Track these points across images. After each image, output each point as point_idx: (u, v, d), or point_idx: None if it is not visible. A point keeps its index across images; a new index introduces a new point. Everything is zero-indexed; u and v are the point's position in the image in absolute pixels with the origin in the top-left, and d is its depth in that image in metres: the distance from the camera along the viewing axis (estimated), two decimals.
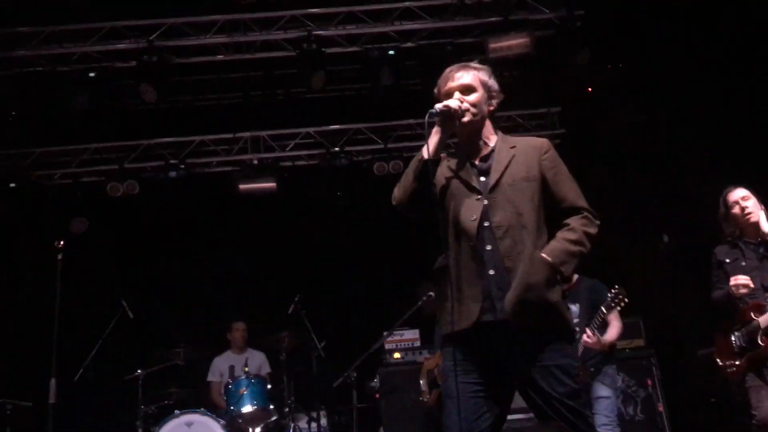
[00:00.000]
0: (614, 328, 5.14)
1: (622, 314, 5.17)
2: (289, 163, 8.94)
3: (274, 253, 8.45)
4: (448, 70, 3.05)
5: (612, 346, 5.14)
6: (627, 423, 6.21)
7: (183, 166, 8.51)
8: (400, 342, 7.11)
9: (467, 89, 2.96)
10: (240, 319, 7.48)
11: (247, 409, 6.32)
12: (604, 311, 4.85)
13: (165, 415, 6.20)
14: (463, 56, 7.53)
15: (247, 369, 6.60)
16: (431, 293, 5.76)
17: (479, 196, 2.87)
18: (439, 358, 4.88)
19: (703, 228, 4.98)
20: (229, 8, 7.25)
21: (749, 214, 4.22)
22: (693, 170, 6.61)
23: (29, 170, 8.50)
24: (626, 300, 4.76)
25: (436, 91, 3.06)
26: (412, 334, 7.13)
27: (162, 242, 8.61)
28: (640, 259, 7.27)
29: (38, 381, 5.12)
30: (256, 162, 8.69)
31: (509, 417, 2.93)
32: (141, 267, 8.57)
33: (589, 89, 7.94)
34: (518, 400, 2.82)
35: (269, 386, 6.59)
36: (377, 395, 6.87)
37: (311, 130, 8.75)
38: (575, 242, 2.84)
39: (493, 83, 3.02)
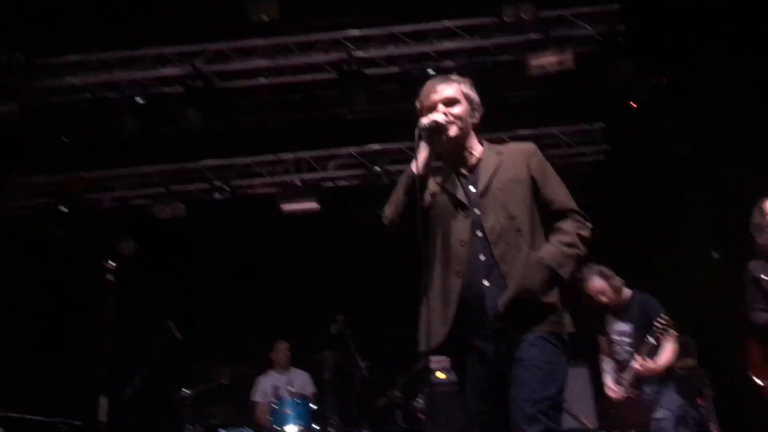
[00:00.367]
0: (667, 351, 4.92)
1: None
2: (331, 184, 9.02)
3: (317, 272, 8.49)
4: (429, 82, 3.00)
5: (667, 368, 4.95)
6: None
7: (228, 188, 8.66)
8: (444, 362, 7.03)
9: (450, 102, 2.91)
10: (283, 338, 7.52)
11: (291, 429, 6.32)
12: (652, 340, 4.75)
13: None
14: (504, 74, 7.55)
15: (291, 389, 6.62)
16: None
17: (467, 212, 2.81)
18: None
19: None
20: (270, 32, 7.34)
21: None
22: (744, 185, 6.43)
23: (79, 194, 8.74)
24: (672, 331, 4.65)
25: (418, 105, 3.01)
26: None
27: (207, 263, 8.74)
28: (691, 276, 7.10)
29: (87, 400, 5.21)
30: (299, 183, 8.79)
31: None
32: (187, 287, 8.69)
33: (633, 104, 7.81)
34: None
35: (314, 406, 6.59)
36: (420, 415, 6.80)
37: (352, 150, 8.82)
38: (570, 245, 2.77)
39: (474, 96, 2.98)
